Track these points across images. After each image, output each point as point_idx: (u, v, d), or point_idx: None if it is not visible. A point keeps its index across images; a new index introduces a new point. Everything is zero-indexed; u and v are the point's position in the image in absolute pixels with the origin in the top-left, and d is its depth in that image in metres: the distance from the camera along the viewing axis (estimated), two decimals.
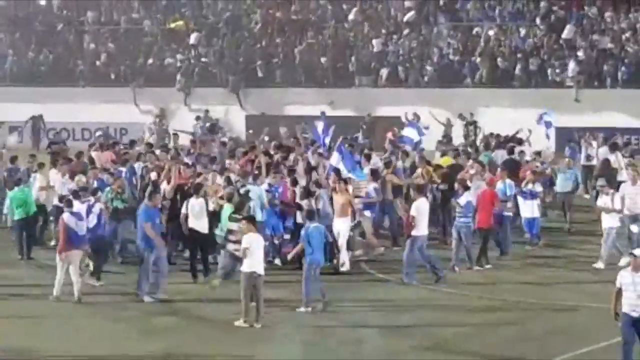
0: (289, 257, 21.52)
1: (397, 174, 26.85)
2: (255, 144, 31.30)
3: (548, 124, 34.50)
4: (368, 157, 28.01)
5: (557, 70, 44.11)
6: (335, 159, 25.19)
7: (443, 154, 30.09)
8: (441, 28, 47.72)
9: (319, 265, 20.38)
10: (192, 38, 49.39)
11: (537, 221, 25.79)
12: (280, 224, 23.93)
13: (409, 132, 30.52)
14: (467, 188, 23.83)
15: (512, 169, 27.77)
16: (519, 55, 44.87)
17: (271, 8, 50.56)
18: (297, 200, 24.12)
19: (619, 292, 15.24)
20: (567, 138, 35.38)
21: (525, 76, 44.50)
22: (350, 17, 48.93)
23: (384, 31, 47.98)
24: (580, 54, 43.92)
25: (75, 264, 20.99)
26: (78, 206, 21.86)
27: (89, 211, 22.17)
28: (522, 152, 30.62)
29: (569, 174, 28.18)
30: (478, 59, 45.23)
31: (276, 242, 24.00)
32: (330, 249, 22.71)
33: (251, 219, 19.81)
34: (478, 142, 35.33)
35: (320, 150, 28.42)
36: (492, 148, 31.50)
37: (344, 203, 23.46)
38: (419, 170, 26.98)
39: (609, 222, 23.57)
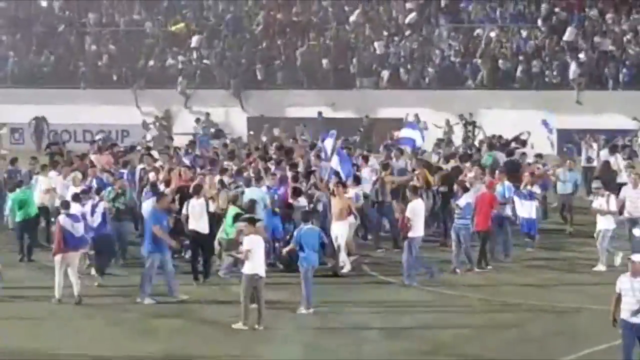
0: (284, 251, 21.50)
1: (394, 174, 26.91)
2: (258, 145, 31.30)
3: (550, 129, 34.42)
4: (366, 159, 28.05)
5: (555, 73, 44.07)
6: (335, 162, 25.18)
7: (447, 159, 29.98)
8: (442, 30, 47.72)
9: (312, 267, 20.34)
10: (194, 41, 49.41)
11: (535, 222, 25.75)
12: (280, 226, 23.92)
13: (408, 133, 30.47)
14: (466, 189, 23.80)
15: (512, 170, 27.80)
16: (520, 57, 44.87)
17: (272, 10, 50.56)
18: (290, 199, 24.10)
19: (619, 298, 15.18)
20: (567, 140, 35.39)
21: (527, 78, 44.50)
22: (352, 18, 48.93)
23: (385, 33, 47.97)
24: (581, 55, 43.91)
25: (74, 265, 20.98)
26: (78, 209, 21.86)
27: (93, 210, 22.19)
28: (523, 154, 30.64)
29: (569, 176, 28.16)
30: (479, 61, 45.23)
31: (277, 245, 23.97)
32: (325, 251, 22.65)
33: (252, 221, 19.79)
34: (477, 143, 35.32)
35: (321, 154, 28.40)
36: (495, 149, 31.50)
37: (342, 207, 23.42)
38: (404, 178, 26.97)
39: (604, 224, 23.54)
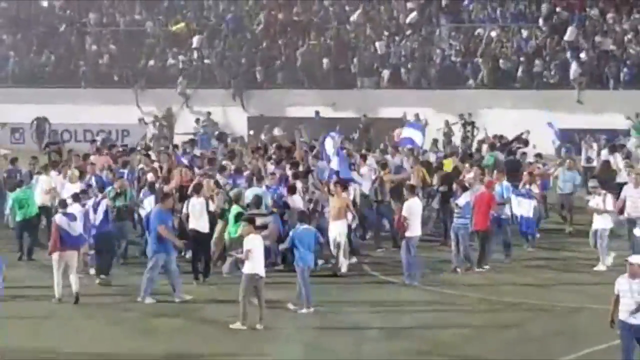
0: (280, 247, 21.53)
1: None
2: (258, 144, 31.29)
3: (555, 131, 34.30)
4: (364, 158, 28.05)
5: (554, 72, 44.03)
6: (335, 163, 25.18)
7: (446, 157, 30.04)
8: (443, 29, 47.71)
9: (308, 267, 20.33)
10: (195, 41, 49.44)
11: (533, 221, 25.70)
12: (280, 225, 23.90)
13: (410, 133, 30.47)
14: (465, 189, 23.78)
15: (512, 169, 27.79)
16: (521, 57, 44.85)
17: (273, 9, 50.57)
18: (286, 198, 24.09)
19: (617, 299, 15.15)
20: (567, 139, 35.34)
21: (528, 77, 44.48)
22: (353, 18, 48.93)
23: (386, 33, 47.96)
24: (582, 55, 43.90)
25: (72, 264, 20.99)
26: (77, 208, 21.85)
27: (95, 208, 22.19)
28: (524, 154, 30.63)
29: (568, 176, 28.14)
30: (480, 60, 45.22)
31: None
32: (321, 252, 22.61)
33: (251, 221, 19.77)
34: (475, 144, 35.32)
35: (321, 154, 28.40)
36: (496, 149, 31.49)
37: (340, 207, 23.39)
38: (411, 171, 26.94)
39: (601, 223, 23.52)
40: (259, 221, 21.35)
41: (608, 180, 28.04)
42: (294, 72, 47.55)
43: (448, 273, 23.47)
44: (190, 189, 23.69)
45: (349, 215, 23.80)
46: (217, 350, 18.11)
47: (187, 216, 22.75)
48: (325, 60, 47.35)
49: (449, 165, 28.37)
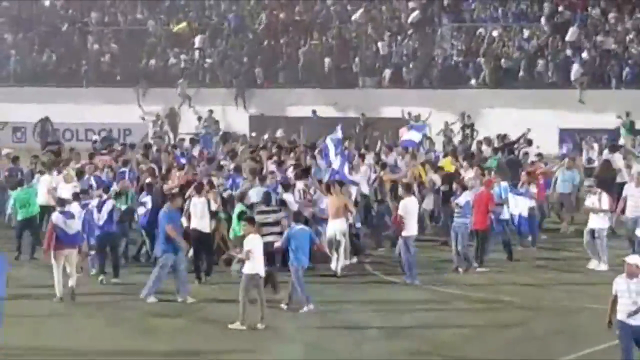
0: (275, 245, 21.54)
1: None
2: (259, 144, 31.30)
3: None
4: (363, 157, 28.04)
5: (554, 72, 44.02)
6: (337, 163, 25.18)
7: (444, 156, 30.04)
8: (445, 29, 47.70)
9: (302, 267, 20.33)
10: (197, 41, 49.47)
11: (532, 220, 25.64)
12: None
13: (411, 136, 30.47)
14: (465, 188, 23.76)
15: (513, 168, 27.78)
16: (522, 56, 44.83)
17: (275, 9, 50.59)
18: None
19: (615, 300, 15.13)
20: (567, 139, 35.34)
21: (529, 77, 44.47)
22: (354, 18, 48.94)
23: (388, 33, 47.96)
24: (584, 55, 43.88)
25: (72, 261, 21.02)
26: (76, 208, 21.85)
27: (100, 208, 22.19)
28: (526, 154, 30.60)
29: (567, 175, 28.11)
30: (482, 60, 45.21)
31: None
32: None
33: (251, 220, 19.76)
34: (475, 144, 35.31)
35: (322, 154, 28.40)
36: (500, 148, 31.48)
37: (339, 206, 23.37)
38: (401, 173, 26.93)
39: (598, 223, 23.50)
40: (271, 217, 21.38)
41: (608, 180, 28.02)
42: (295, 72, 47.57)
43: (449, 273, 23.44)
44: (191, 188, 23.66)
45: (350, 215, 23.83)
46: (218, 349, 18.09)
47: (189, 215, 22.75)
48: (327, 60, 47.36)
49: (449, 165, 28.38)
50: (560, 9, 46.41)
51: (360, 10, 49.06)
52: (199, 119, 43.28)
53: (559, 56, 44.64)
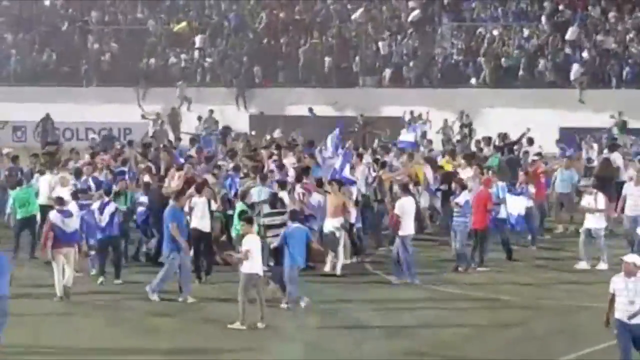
0: (272, 246, 21.54)
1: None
2: (265, 145, 31.28)
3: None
4: (361, 157, 28.04)
5: (555, 71, 44.02)
6: (339, 163, 25.19)
7: (444, 155, 30.03)
8: (445, 28, 47.70)
9: (298, 266, 20.34)
10: (198, 41, 49.48)
11: (523, 219, 25.64)
12: None
13: (407, 137, 30.47)
14: (464, 187, 23.75)
15: (513, 167, 27.77)
16: (523, 55, 44.83)
17: (275, 8, 50.60)
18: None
19: (613, 298, 15.12)
20: (567, 140, 35.27)
21: (530, 76, 44.46)
22: (354, 17, 48.94)
23: (387, 32, 47.97)
24: (585, 54, 43.87)
25: (70, 259, 21.05)
26: (75, 207, 21.86)
27: (102, 209, 22.20)
28: (526, 153, 30.58)
29: (566, 175, 28.08)
30: (483, 60, 45.21)
31: None
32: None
33: (250, 220, 19.76)
34: (474, 143, 35.31)
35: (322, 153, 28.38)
36: (501, 148, 31.48)
37: (337, 205, 23.38)
38: (400, 171, 26.93)
39: (594, 223, 23.48)
40: (278, 219, 21.38)
41: (608, 179, 28.01)
42: (295, 71, 47.58)
43: (449, 272, 23.43)
44: (191, 188, 23.66)
45: (352, 213, 23.82)
46: (218, 349, 18.09)
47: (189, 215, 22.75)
48: (327, 59, 47.37)
49: (448, 164, 28.38)
50: (561, 7, 46.39)
51: (361, 10, 49.08)
52: (199, 119, 43.25)
53: (559, 55, 44.63)
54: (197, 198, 22.69)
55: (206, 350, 18.09)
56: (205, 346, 18.27)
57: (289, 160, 28.41)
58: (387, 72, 46.58)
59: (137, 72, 48.86)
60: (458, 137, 39.86)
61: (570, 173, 28.15)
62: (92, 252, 23.02)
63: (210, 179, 24.83)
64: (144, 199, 24.19)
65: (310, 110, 44.01)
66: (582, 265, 23.54)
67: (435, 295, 21.69)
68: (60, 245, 20.96)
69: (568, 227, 27.88)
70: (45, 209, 25.37)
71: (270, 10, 50.66)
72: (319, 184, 24.56)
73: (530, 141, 32.23)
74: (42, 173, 26.83)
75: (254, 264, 18.95)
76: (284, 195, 23.66)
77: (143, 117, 43.76)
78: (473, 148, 34.42)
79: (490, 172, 25.90)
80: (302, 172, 25.44)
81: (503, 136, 33.65)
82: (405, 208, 22.38)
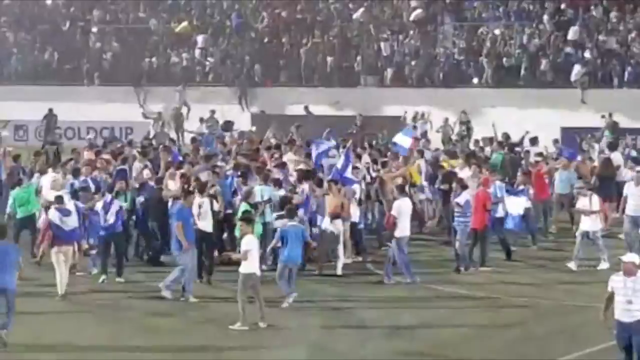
0: (268, 248, 21.53)
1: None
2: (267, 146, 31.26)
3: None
4: (360, 157, 28.04)
5: (557, 71, 43.99)
6: (341, 163, 25.21)
7: (451, 156, 29.97)
8: (447, 28, 47.69)
9: (294, 263, 20.32)
10: (199, 41, 49.47)
11: (520, 219, 25.62)
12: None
13: (401, 139, 30.38)
14: (465, 187, 23.74)
15: (513, 167, 27.75)
16: (525, 55, 44.80)
17: (277, 8, 50.60)
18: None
19: (610, 297, 15.10)
20: (569, 140, 35.28)
21: (531, 76, 44.44)
22: (356, 16, 48.94)
23: (389, 32, 47.95)
24: (587, 54, 43.84)
25: (67, 258, 21.07)
26: (72, 207, 21.88)
27: (107, 208, 22.20)
28: (527, 152, 30.57)
29: (564, 176, 28.05)
30: (484, 60, 45.19)
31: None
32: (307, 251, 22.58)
33: (249, 220, 19.76)
34: (473, 142, 35.29)
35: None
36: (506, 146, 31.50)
37: (336, 205, 23.37)
38: (400, 170, 26.93)
39: (589, 224, 23.47)
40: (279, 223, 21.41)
41: (609, 178, 27.98)
42: (297, 71, 47.59)
43: (450, 272, 23.43)
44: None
45: (355, 213, 23.80)
46: (219, 348, 18.10)
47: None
48: (328, 59, 47.37)
49: (446, 162, 28.38)
50: (563, 6, 46.35)
51: (362, 9, 49.06)
52: (201, 120, 43.20)
53: (561, 55, 44.59)
54: (199, 198, 22.68)
55: (207, 349, 18.10)
56: (206, 345, 18.27)
57: (290, 157, 28.39)
58: (389, 72, 46.56)
59: (138, 72, 48.85)
60: (456, 137, 39.81)
61: (569, 174, 28.12)
62: (93, 251, 23.06)
63: (206, 177, 24.85)
64: (139, 198, 24.19)
65: (306, 108, 44.03)
66: (572, 265, 23.53)
67: (435, 295, 21.71)
68: (60, 243, 20.99)
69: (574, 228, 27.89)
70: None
71: (272, 9, 50.66)
72: (319, 184, 24.56)
73: (533, 141, 32.17)
74: (42, 172, 26.80)
75: (251, 264, 18.95)
76: (280, 193, 23.70)
77: (144, 116, 43.77)
78: (472, 147, 34.34)
79: (487, 171, 25.88)
80: (304, 175, 25.47)
81: (506, 137, 33.61)
82: (402, 209, 22.36)
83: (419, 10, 47.97)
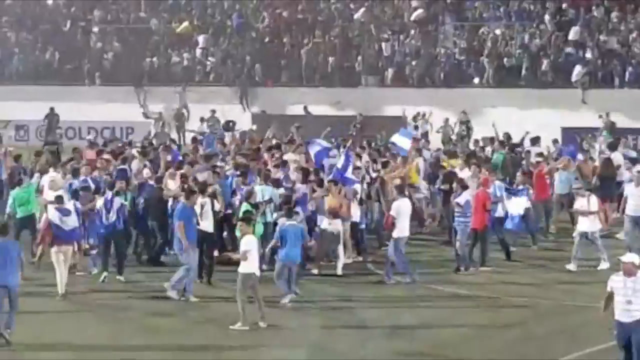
0: (266, 249, 21.53)
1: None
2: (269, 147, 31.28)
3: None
4: (359, 157, 28.05)
5: (557, 71, 43.98)
6: (341, 163, 25.22)
7: (451, 156, 29.99)
8: (448, 28, 47.69)
9: (293, 262, 20.32)
10: (201, 41, 49.49)
11: (520, 219, 25.63)
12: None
13: (399, 140, 30.40)
14: (465, 187, 23.74)
15: (514, 167, 27.76)
16: (525, 55, 44.80)
17: (278, 8, 50.61)
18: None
19: (610, 297, 15.10)
20: (568, 139, 35.25)
21: (532, 76, 44.43)
22: (357, 16, 48.95)
23: (390, 32, 47.95)
24: (588, 55, 43.83)
25: (66, 258, 21.08)
26: (71, 206, 21.90)
27: (109, 206, 22.22)
28: (528, 152, 30.56)
29: (564, 176, 28.05)
30: (485, 60, 45.18)
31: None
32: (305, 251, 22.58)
33: (248, 220, 19.77)
34: (472, 142, 35.28)
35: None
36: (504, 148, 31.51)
37: (335, 205, 23.36)
38: (398, 170, 26.95)
39: (586, 225, 23.45)
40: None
41: (610, 178, 27.96)
42: (298, 70, 47.59)
43: (450, 272, 23.43)
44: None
45: (357, 213, 23.81)
46: (220, 347, 18.12)
47: None
48: (330, 59, 47.37)
49: (455, 164, 28.39)
50: (565, 5, 46.34)
51: (363, 9, 49.07)
52: (202, 119, 43.23)
53: (561, 55, 44.58)
54: (200, 198, 22.68)
55: (208, 348, 18.12)
56: (207, 344, 18.28)
57: (290, 157, 28.40)
58: (390, 72, 46.56)
59: (139, 72, 48.86)
60: (454, 137, 39.80)
61: (569, 174, 28.13)
62: (93, 251, 23.07)
63: (205, 177, 24.87)
64: (139, 198, 24.22)
65: (305, 108, 44.06)
66: (571, 266, 23.52)
67: (435, 295, 21.71)
68: (60, 242, 21.01)
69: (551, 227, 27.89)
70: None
71: (273, 9, 50.68)
72: (320, 183, 24.57)
73: (534, 141, 32.15)
74: (43, 172, 26.79)
75: (251, 264, 18.96)
76: (279, 192, 23.74)
77: (145, 115, 43.78)
78: (472, 147, 34.34)
79: (487, 171, 25.88)
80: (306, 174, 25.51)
81: (507, 137, 33.60)
82: (401, 209, 22.35)
83: (419, 10, 47.96)
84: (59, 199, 21.64)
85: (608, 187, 27.91)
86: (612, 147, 31.03)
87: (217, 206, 23.14)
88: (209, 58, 49.39)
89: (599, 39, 44.49)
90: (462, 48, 46.64)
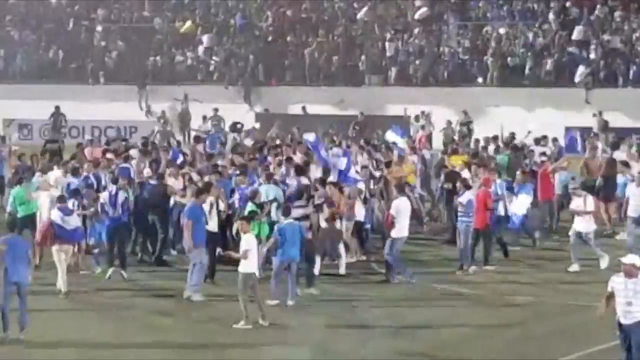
0: (264, 249, 21.54)
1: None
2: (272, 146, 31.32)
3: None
4: (362, 154, 28.08)
5: (558, 71, 43.99)
6: (343, 163, 25.24)
7: (453, 153, 30.02)
8: (451, 27, 47.70)
9: (292, 261, 20.35)
10: (205, 41, 49.52)
11: (522, 218, 25.63)
12: None
13: (393, 138, 30.40)
14: (468, 187, 23.76)
15: (516, 166, 27.81)
16: (529, 54, 44.80)
17: (282, 7, 50.65)
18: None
19: (609, 297, 15.11)
20: (568, 137, 35.19)
21: (536, 75, 44.43)
22: (360, 15, 48.98)
23: (393, 31, 47.97)
24: (592, 55, 43.81)
25: (67, 257, 21.14)
26: (70, 205, 21.97)
27: (113, 201, 22.24)
28: (531, 152, 30.56)
29: (563, 176, 28.06)
30: (489, 59, 45.19)
31: None
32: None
33: (247, 219, 19.79)
34: (473, 142, 35.30)
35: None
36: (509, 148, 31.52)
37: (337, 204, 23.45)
38: (401, 169, 26.97)
39: (583, 226, 23.44)
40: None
41: (613, 178, 27.97)
42: (302, 70, 47.62)
43: (453, 271, 23.45)
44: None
45: (361, 212, 23.84)
46: (222, 345, 18.15)
47: None
48: (333, 58, 47.41)
49: (456, 161, 28.42)
50: (568, 4, 46.33)
51: (366, 8, 49.09)
52: (204, 118, 43.29)
53: (565, 54, 44.58)
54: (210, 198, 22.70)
55: (210, 347, 18.16)
56: (209, 343, 18.32)
57: (294, 157, 28.42)
58: (393, 71, 46.59)
59: (143, 71, 48.92)
60: (455, 137, 39.81)
61: (568, 174, 28.13)
62: (96, 251, 23.11)
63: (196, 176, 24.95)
64: (140, 197, 24.30)
65: (304, 108, 44.15)
66: (574, 267, 23.53)
67: (435, 295, 21.74)
68: (61, 242, 21.06)
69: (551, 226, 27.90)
70: None
71: (277, 9, 50.72)
72: (322, 183, 24.59)
73: (537, 141, 32.15)
74: (44, 171, 26.81)
75: (251, 263, 19.00)
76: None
77: (148, 113, 43.81)
78: (473, 146, 34.35)
79: (487, 171, 25.91)
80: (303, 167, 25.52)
81: (511, 136, 33.59)
82: (400, 208, 22.34)
83: (423, 9, 47.97)
84: (60, 199, 21.68)
85: (611, 187, 27.89)
86: (615, 146, 31.02)
87: (222, 206, 23.16)
88: (213, 57, 49.42)
89: (603, 39, 44.48)
90: (466, 47, 46.64)
